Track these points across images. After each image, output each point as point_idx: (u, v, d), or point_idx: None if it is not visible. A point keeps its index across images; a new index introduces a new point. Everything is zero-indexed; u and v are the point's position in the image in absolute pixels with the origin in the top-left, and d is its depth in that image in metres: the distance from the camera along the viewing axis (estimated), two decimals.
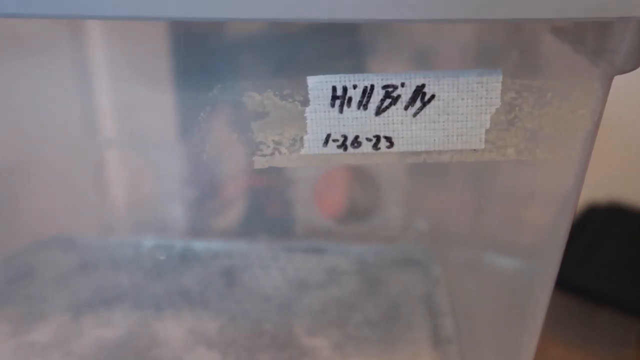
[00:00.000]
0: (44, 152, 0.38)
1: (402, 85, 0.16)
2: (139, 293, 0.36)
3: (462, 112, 0.16)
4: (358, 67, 0.25)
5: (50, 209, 0.40)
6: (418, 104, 0.16)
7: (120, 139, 0.39)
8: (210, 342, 0.32)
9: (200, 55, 0.26)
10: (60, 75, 0.35)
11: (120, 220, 0.42)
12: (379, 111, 0.16)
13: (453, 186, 0.37)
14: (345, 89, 0.16)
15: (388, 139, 0.16)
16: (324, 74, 0.16)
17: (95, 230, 0.41)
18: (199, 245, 0.40)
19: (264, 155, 0.17)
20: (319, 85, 0.16)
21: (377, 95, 0.16)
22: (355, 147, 0.16)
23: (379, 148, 0.16)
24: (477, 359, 0.30)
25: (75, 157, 0.40)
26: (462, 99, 0.16)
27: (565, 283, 0.61)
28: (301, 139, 0.17)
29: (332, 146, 0.16)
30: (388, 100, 0.16)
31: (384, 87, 0.16)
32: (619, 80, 0.19)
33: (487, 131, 0.16)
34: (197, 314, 0.34)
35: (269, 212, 0.41)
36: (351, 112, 0.16)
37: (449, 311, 0.34)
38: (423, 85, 0.16)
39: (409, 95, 0.16)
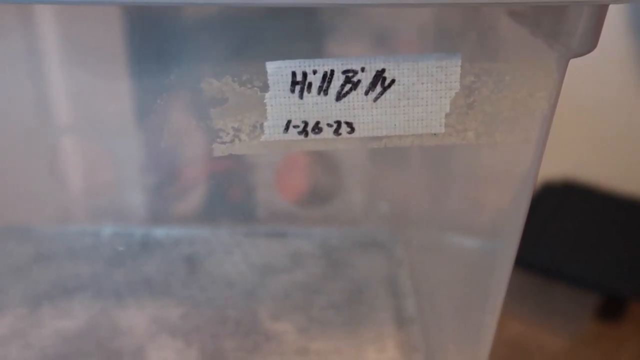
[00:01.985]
0: None
1: (362, 70, 0.16)
2: (99, 282, 0.35)
3: (422, 97, 0.16)
4: (317, 51, 0.24)
5: (3, 198, 0.39)
6: (378, 88, 0.16)
7: (76, 125, 0.38)
8: (174, 330, 0.32)
9: (156, 39, 0.25)
10: (11, 61, 0.34)
11: (78, 209, 0.41)
12: (340, 96, 0.16)
13: (414, 168, 0.37)
14: (305, 74, 0.16)
15: (349, 124, 0.16)
16: (282, 57, 0.16)
17: (52, 219, 0.40)
18: (159, 232, 0.39)
19: (224, 143, 0.17)
20: (278, 70, 0.16)
21: (337, 80, 0.16)
22: (316, 133, 0.16)
23: (340, 134, 0.16)
24: (440, 338, 0.31)
25: (29, 145, 0.38)
26: (422, 83, 0.16)
27: (521, 260, 0.63)
28: (261, 125, 0.16)
29: (292, 132, 0.16)
30: (348, 86, 0.16)
31: (344, 72, 0.16)
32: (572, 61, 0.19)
33: (447, 115, 0.16)
34: (160, 302, 0.34)
35: (230, 197, 0.41)
36: (311, 97, 0.16)
37: (412, 292, 0.35)
38: (383, 70, 0.16)
39: (369, 80, 0.16)
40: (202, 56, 0.17)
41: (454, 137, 0.17)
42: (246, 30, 0.21)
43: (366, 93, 0.16)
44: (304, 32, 0.21)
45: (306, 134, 0.16)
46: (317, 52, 0.17)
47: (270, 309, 0.34)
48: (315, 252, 0.39)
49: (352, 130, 0.16)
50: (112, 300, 0.34)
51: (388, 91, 0.16)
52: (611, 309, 0.66)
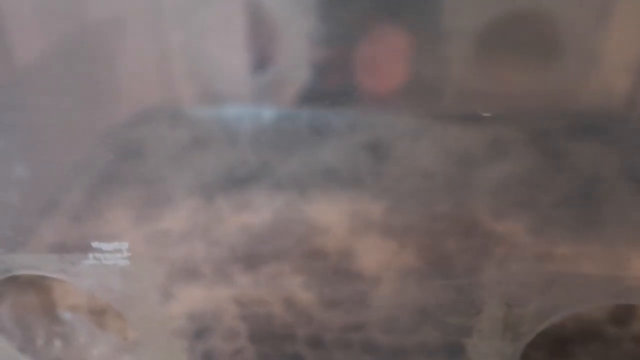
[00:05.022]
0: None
1: None
2: (272, 172, 0.30)
3: None
4: None
5: (148, 75, 0.33)
6: None
7: None
8: (380, 227, 0.27)
9: None
10: None
11: (235, 88, 0.35)
12: None
13: None
14: None
15: None
16: None
17: (204, 99, 0.35)
18: (330, 115, 0.33)
19: None
20: None
21: None
22: None
23: None
24: None
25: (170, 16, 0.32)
26: None
27: None
28: None
29: None
30: None
31: None
32: None
33: None
34: (353, 195, 0.28)
35: (410, 73, 0.34)
36: None
37: None
38: None
39: None
40: None
41: None
42: None
43: None
44: None
45: None
46: None
47: (487, 205, 0.28)
48: (521, 138, 0.32)
49: None
50: (294, 193, 0.29)
51: None
52: None
